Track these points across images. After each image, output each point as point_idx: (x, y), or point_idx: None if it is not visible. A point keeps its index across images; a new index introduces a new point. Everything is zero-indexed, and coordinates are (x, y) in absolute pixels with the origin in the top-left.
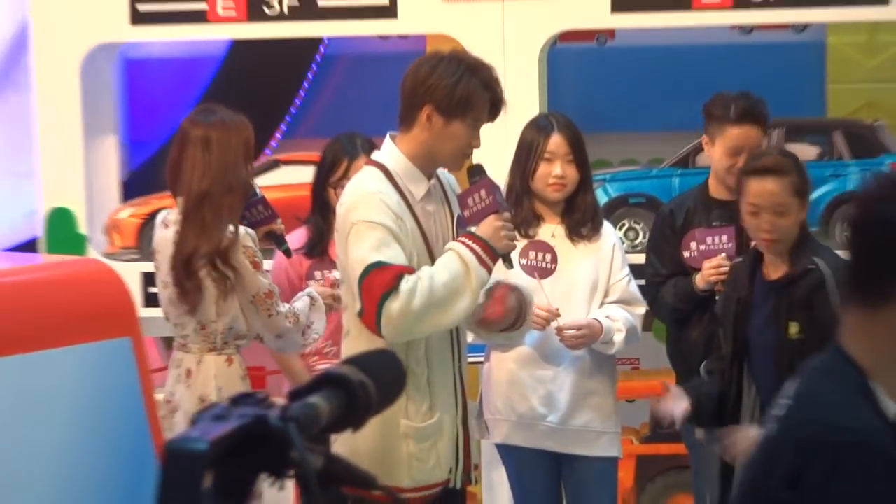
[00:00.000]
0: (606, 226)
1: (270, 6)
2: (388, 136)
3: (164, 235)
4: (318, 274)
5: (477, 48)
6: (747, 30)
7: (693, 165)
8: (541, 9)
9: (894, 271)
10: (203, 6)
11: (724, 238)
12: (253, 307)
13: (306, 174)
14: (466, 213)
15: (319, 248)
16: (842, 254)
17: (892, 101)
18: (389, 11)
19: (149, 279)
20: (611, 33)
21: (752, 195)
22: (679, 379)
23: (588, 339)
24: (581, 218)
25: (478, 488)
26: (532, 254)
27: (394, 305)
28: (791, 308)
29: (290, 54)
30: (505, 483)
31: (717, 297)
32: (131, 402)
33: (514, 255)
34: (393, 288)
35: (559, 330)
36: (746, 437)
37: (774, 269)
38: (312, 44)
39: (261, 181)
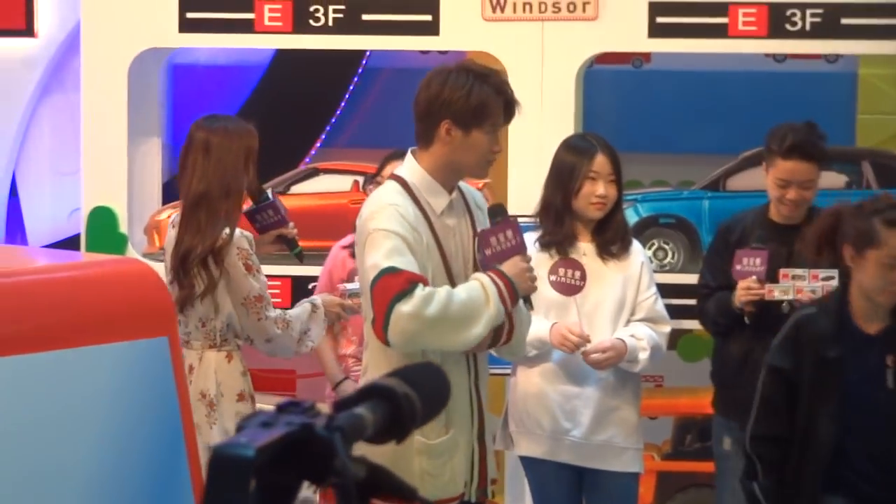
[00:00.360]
0: (635, 244)
1: (316, 18)
2: (409, 151)
3: (171, 235)
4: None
5: (516, 66)
6: (781, 58)
7: (724, 189)
8: (580, 30)
9: None
10: (250, 16)
11: (758, 261)
12: (244, 309)
13: (345, 183)
14: (488, 251)
15: None
16: None
17: None
18: (432, 28)
19: None
20: (647, 56)
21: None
22: (715, 391)
23: (613, 360)
24: (612, 236)
25: (501, 500)
26: (562, 270)
27: (405, 308)
28: None
29: (333, 65)
30: (528, 495)
31: (745, 319)
32: (166, 401)
33: (535, 295)
34: (406, 291)
35: (585, 354)
36: None
37: (868, 322)
38: (355, 56)
39: (299, 188)
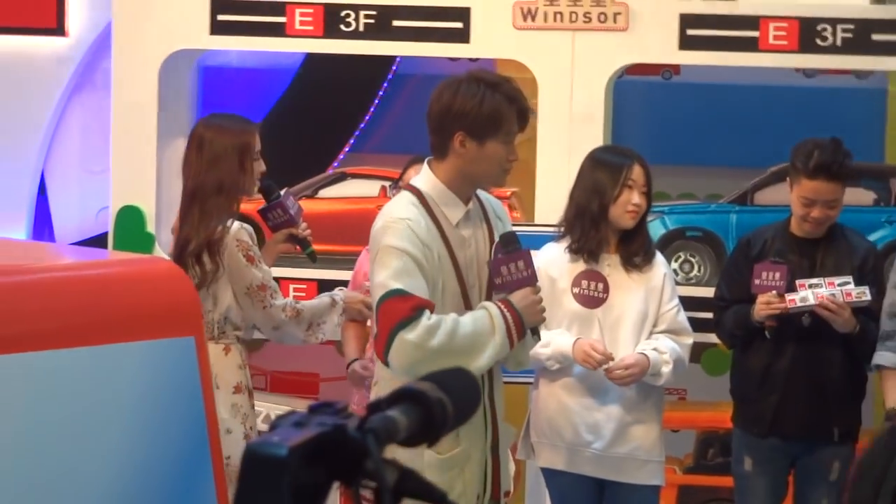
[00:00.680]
0: (658, 256)
1: (347, 23)
2: (426, 161)
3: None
4: None
5: (546, 76)
6: (811, 73)
7: (751, 203)
8: (611, 41)
9: None
10: (282, 19)
11: (777, 275)
12: (248, 299)
13: (373, 188)
14: (499, 280)
15: None
16: None
17: None
18: (462, 35)
19: None
20: (676, 69)
21: None
22: (735, 405)
23: (637, 376)
24: (637, 248)
25: None
26: (584, 283)
27: (409, 336)
28: None
29: (363, 70)
30: None
31: (766, 333)
32: (191, 401)
33: (558, 308)
34: (411, 318)
35: (608, 371)
36: None
37: None
38: (385, 61)
39: (327, 193)
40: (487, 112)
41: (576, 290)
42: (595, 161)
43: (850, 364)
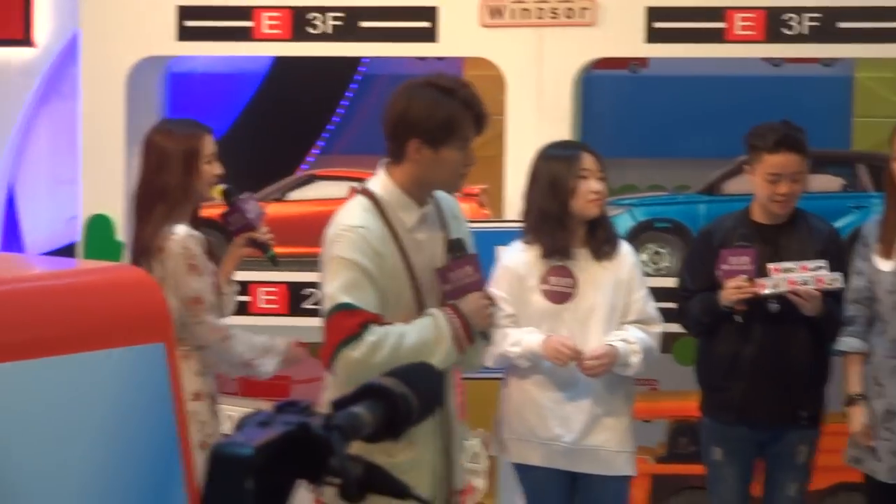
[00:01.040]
0: (625, 245)
1: (314, 26)
2: (381, 163)
3: None
4: None
5: (514, 72)
6: (777, 62)
7: (719, 193)
8: (577, 36)
9: None
10: (249, 24)
11: (746, 259)
12: (184, 309)
13: (341, 189)
14: (448, 286)
15: None
16: None
17: None
18: (429, 34)
19: None
20: (644, 62)
21: None
22: (702, 394)
23: (607, 366)
24: (603, 235)
25: None
26: (553, 279)
27: (353, 354)
28: None
29: (331, 72)
30: (521, 501)
31: (736, 318)
32: (162, 407)
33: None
34: (355, 336)
35: (579, 363)
36: None
37: None
38: (353, 63)
39: (296, 195)
40: (442, 119)
41: (544, 286)
42: (545, 159)
43: (815, 347)
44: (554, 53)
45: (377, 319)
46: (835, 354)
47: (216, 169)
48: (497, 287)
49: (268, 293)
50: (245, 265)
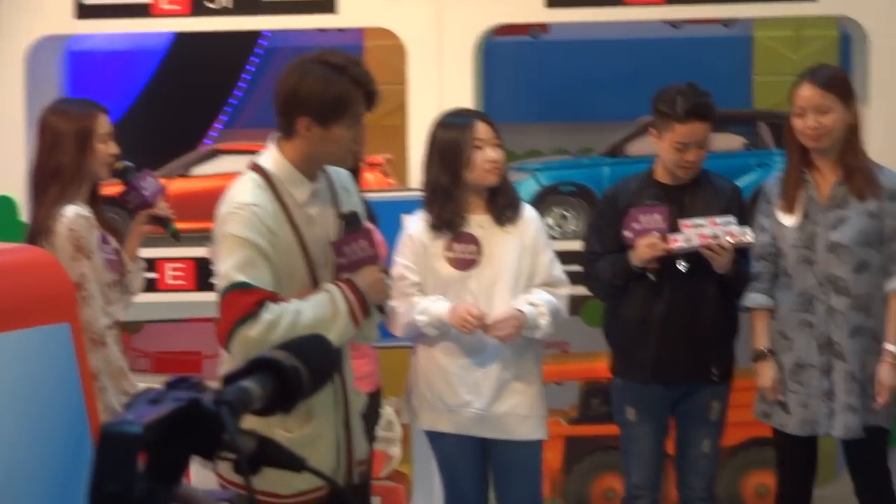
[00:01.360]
0: (528, 209)
1: (213, 0)
2: (271, 138)
3: None
4: None
5: (414, 41)
6: (677, 24)
7: (623, 155)
8: (477, 3)
9: None
10: (147, 0)
11: (658, 217)
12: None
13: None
14: (343, 260)
15: None
16: None
17: None
18: (329, 6)
19: None
20: (545, 27)
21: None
22: (613, 355)
23: (515, 331)
24: (505, 201)
25: (409, 472)
26: (457, 246)
27: (250, 333)
28: None
29: (231, 46)
30: (435, 467)
31: (650, 276)
32: (69, 387)
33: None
34: (251, 314)
35: (485, 330)
36: None
37: None
38: (253, 36)
39: (200, 170)
40: (333, 97)
41: (449, 254)
42: (437, 132)
43: (724, 304)
44: (454, 21)
45: (273, 297)
46: (742, 311)
47: (111, 148)
48: (402, 256)
49: (175, 269)
50: (151, 242)
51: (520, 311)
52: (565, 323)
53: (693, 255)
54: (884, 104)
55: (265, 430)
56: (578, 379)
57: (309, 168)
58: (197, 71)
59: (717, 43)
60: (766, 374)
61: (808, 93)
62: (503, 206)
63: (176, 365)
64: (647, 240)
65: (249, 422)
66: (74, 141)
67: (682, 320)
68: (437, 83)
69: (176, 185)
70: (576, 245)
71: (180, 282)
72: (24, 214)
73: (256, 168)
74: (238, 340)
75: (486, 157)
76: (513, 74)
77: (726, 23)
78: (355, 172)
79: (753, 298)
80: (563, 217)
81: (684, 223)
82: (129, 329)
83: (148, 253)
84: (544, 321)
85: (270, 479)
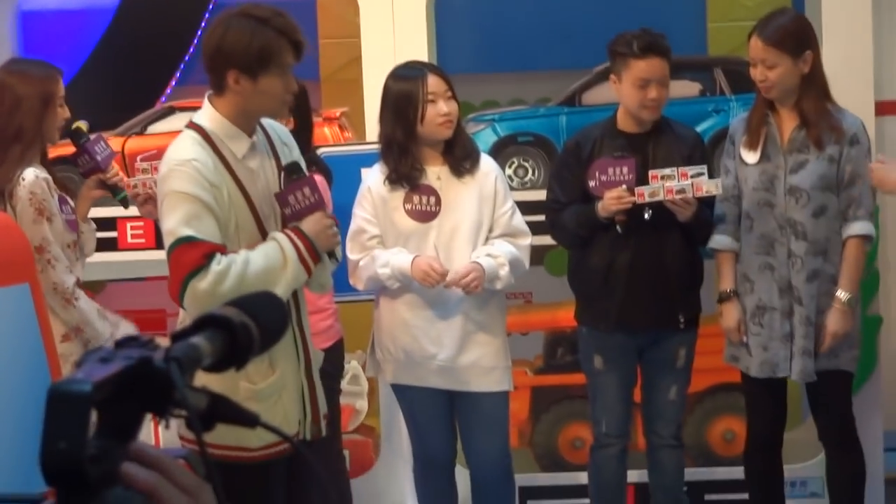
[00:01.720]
0: (487, 160)
1: None
2: (206, 96)
3: None
4: None
5: None
6: None
7: (579, 104)
8: None
9: None
10: None
11: (625, 170)
12: (36, 255)
13: None
14: (288, 210)
15: None
16: None
17: None
18: None
19: None
20: None
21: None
22: (578, 304)
23: (478, 282)
24: (462, 153)
25: (377, 425)
26: (416, 198)
27: (200, 285)
28: None
29: (183, 3)
30: (402, 420)
31: (617, 227)
32: (32, 346)
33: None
34: (201, 267)
35: (447, 285)
36: None
37: None
38: None
39: (156, 128)
40: (257, 49)
41: (408, 206)
42: (389, 86)
43: (689, 251)
44: None
45: (221, 249)
46: (707, 257)
47: (66, 112)
48: (361, 209)
49: (134, 228)
50: (110, 201)
51: (477, 263)
52: (528, 273)
53: (658, 204)
54: (835, 48)
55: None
56: (543, 329)
57: (245, 122)
58: (150, 27)
59: None
60: (731, 315)
61: (755, 46)
62: (460, 158)
63: (140, 323)
64: (614, 192)
65: (209, 378)
66: (38, 103)
67: (647, 268)
68: (391, 35)
69: (132, 143)
70: (535, 195)
71: (140, 240)
72: None
73: (193, 126)
74: (189, 294)
75: (438, 111)
76: (468, 24)
77: None
78: (308, 127)
79: (718, 240)
80: (521, 167)
81: (653, 174)
82: (91, 289)
83: (108, 212)
84: (503, 272)
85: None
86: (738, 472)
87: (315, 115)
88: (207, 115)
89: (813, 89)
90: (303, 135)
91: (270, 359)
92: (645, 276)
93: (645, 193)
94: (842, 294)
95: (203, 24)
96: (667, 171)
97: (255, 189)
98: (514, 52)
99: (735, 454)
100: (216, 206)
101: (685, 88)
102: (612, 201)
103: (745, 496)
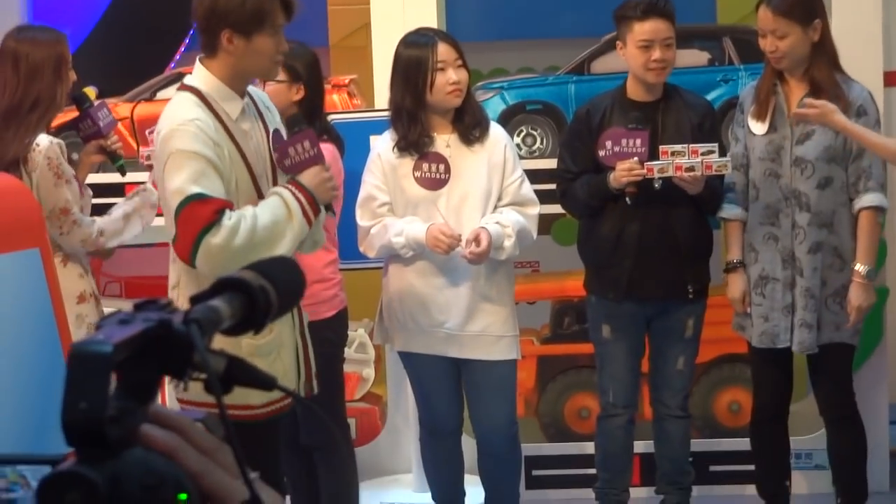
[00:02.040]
0: (496, 128)
1: None
2: (197, 59)
3: None
4: None
5: None
6: None
7: (588, 72)
8: None
9: None
10: None
11: (638, 142)
12: (49, 222)
13: None
14: (287, 161)
15: None
16: None
17: None
18: None
19: None
20: None
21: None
22: (588, 273)
23: (486, 250)
24: (471, 121)
25: (384, 393)
26: (425, 166)
27: (214, 240)
28: None
29: None
30: (409, 388)
31: (626, 199)
32: (42, 310)
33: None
34: (214, 222)
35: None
36: None
37: None
38: None
39: (166, 94)
40: (251, 8)
41: (417, 173)
42: (400, 53)
43: (698, 221)
44: None
45: (230, 205)
46: (716, 227)
47: (73, 76)
48: (371, 176)
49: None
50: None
51: (485, 229)
52: (536, 242)
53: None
54: (844, 19)
55: (232, 342)
56: (550, 298)
57: (237, 83)
58: None
59: None
60: (736, 285)
61: (764, 16)
62: (469, 126)
63: (147, 290)
64: (626, 164)
65: (217, 336)
66: (51, 69)
67: (657, 237)
68: (401, 2)
69: (141, 109)
70: (543, 164)
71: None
72: None
73: (187, 87)
74: (203, 251)
75: (447, 80)
76: None
77: None
78: (320, 95)
79: (727, 209)
80: (530, 135)
81: (664, 149)
82: (99, 255)
83: (111, 177)
84: (509, 242)
85: (242, 392)
86: (743, 444)
87: (324, 82)
88: (201, 76)
89: (824, 57)
90: (314, 103)
91: None
92: (655, 246)
93: (654, 169)
94: (860, 267)
95: None
96: (678, 147)
97: (249, 149)
98: (523, 19)
99: (741, 425)
100: (219, 163)
101: (694, 57)
102: (622, 173)
103: (751, 467)
